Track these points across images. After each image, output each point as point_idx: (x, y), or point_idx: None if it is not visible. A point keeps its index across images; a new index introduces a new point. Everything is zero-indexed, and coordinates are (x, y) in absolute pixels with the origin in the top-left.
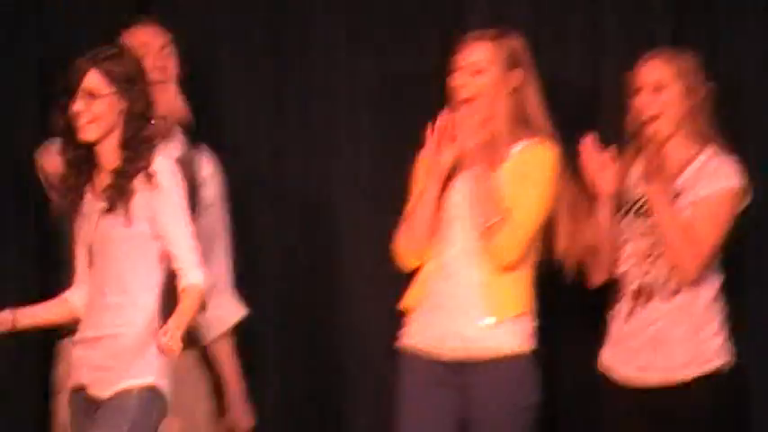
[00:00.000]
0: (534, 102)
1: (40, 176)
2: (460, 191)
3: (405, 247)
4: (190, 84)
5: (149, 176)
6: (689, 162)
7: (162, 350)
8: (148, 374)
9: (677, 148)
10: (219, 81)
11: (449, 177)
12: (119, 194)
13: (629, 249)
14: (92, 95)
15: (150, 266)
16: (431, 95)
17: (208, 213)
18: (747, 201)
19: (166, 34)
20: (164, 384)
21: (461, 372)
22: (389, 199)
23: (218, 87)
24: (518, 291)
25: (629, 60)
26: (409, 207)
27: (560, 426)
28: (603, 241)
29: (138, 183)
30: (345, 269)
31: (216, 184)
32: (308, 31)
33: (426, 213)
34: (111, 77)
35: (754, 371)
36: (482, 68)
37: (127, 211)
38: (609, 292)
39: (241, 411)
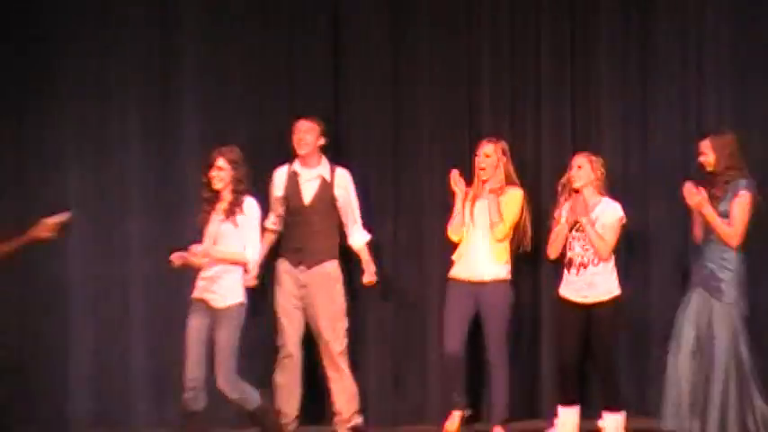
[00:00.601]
0: (512, 170)
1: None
2: (479, 205)
3: (452, 232)
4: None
5: (242, 207)
6: (596, 204)
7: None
8: (240, 297)
9: (590, 196)
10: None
11: (473, 200)
12: (230, 213)
13: (573, 244)
14: (219, 168)
15: (241, 249)
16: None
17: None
18: (625, 221)
19: (316, 124)
20: (246, 300)
21: (477, 287)
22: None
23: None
24: (505, 252)
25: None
26: (454, 213)
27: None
28: (560, 239)
29: (239, 209)
30: (426, 244)
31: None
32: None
33: (461, 217)
34: (228, 160)
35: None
36: (489, 154)
37: (234, 221)
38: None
39: (372, 273)
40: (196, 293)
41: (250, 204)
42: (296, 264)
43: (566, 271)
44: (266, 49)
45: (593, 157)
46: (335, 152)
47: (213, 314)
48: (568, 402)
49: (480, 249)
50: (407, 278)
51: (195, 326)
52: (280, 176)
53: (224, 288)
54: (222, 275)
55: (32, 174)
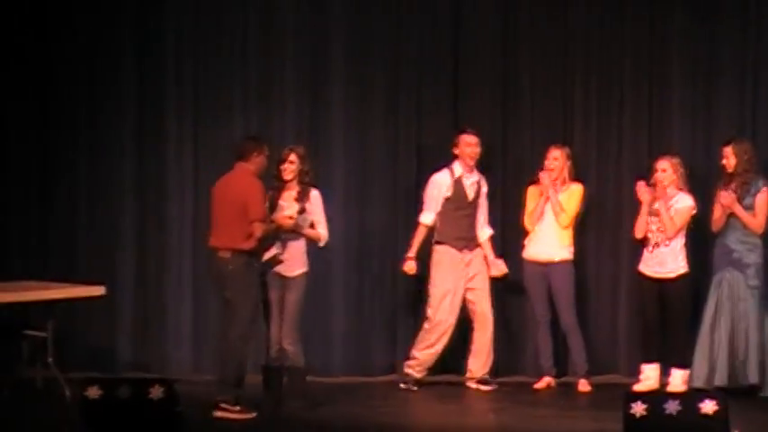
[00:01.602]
0: (572, 170)
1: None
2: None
3: (529, 223)
4: None
5: (309, 196)
6: (673, 195)
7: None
8: (306, 267)
9: (671, 190)
10: None
11: (545, 195)
12: (298, 200)
13: (651, 226)
14: (291, 162)
15: (310, 227)
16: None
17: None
18: (695, 212)
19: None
20: (310, 270)
21: (547, 267)
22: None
23: None
24: (568, 236)
25: None
26: (530, 209)
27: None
28: (643, 222)
29: (306, 197)
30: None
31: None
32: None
33: (538, 211)
34: (298, 155)
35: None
36: (557, 158)
37: (302, 206)
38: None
39: (498, 267)
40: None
41: (316, 195)
42: (461, 248)
43: (645, 249)
44: (399, 66)
45: (674, 160)
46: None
47: (284, 282)
48: (650, 360)
49: (548, 235)
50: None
51: (273, 297)
52: (445, 180)
53: (294, 260)
54: (292, 251)
55: None
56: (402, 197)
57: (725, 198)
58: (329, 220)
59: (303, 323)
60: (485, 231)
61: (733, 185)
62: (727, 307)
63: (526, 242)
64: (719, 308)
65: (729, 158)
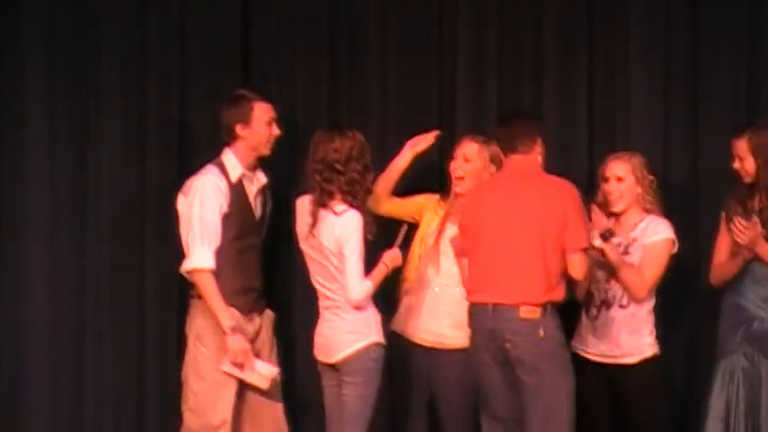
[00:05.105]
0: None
1: None
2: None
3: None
4: None
5: None
6: (638, 222)
7: None
8: None
9: (630, 216)
10: None
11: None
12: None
13: (597, 273)
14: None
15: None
16: None
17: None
18: (676, 249)
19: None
20: None
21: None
22: None
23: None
24: None
25: None
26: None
27: None
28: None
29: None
30: None
31: None
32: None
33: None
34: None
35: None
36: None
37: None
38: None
39: None
40: None
41: None
42: (247, 311)
43: (583, 314)
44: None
45: (635, 161)
46: None
47: None
48: None
49: None
50: None
51: None
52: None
53: None
54: None
55: None
56: None
57: (744, 230)
58: None
59: None
60: None
61: (755, 203)
62: (742, 422)
63: None
64: (734, 419)
65: (746, 159)
